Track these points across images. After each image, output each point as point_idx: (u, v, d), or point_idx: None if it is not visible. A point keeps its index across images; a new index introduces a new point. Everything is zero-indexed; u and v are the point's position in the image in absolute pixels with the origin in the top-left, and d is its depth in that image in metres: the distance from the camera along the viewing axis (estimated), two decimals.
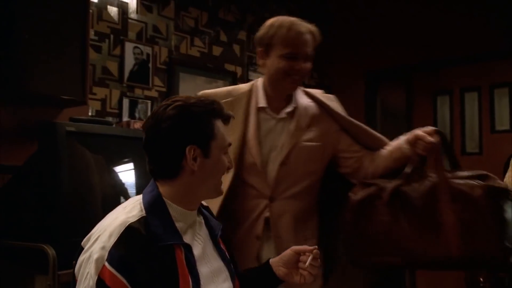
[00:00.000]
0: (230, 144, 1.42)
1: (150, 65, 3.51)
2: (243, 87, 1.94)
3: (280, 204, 1.83)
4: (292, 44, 1.77)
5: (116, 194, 2.33)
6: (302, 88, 1.95)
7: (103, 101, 3.24)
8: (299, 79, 1.83)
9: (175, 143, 1.31)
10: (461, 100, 5.17)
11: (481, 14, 4.32)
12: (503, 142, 4.59)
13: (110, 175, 2.35)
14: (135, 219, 1.27)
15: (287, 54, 1.77)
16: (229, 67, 4.16)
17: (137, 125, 2.89)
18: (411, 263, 1.76)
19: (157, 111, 1.33)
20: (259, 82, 1.91)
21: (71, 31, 2.67)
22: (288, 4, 4.66)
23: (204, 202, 1.58)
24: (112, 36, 3.31)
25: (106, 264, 1.19)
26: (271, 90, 1.86)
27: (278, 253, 1.62)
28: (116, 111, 3.30)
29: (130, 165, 2.51)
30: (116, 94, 3.30)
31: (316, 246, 1.52)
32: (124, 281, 1.18)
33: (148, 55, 3.50)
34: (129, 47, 3.39)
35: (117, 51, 3.34)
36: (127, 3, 3.42)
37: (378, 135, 1.94)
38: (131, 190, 2.40)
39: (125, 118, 3.30)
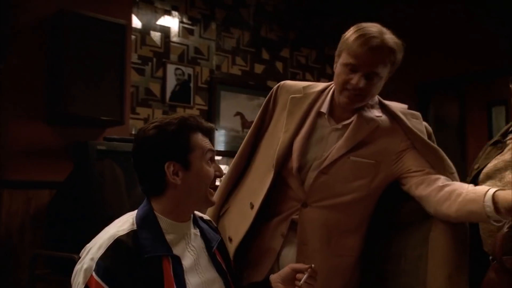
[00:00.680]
0: (212, 151, 1.46)
1: (191, 84, 3.69)
2: (317, 86, 1.79)
3: (311, 211, 1.72)
4: (354, 55, 1.59)
5: None
6: (380, 100, 1.76)
7: (146, 121, 3.45)
8: (356, 96, 1.63)
9: (155, 162, 1.40)
10: None
11: None
12: None
13: (139, 190, 2.52)
14: (124, 233, 1.36)
15: (348, 64, 1.60)
16: (272, 84, 4.26)
17: None
18: None
19: (138, 134, 1.44)
20: (333, 86, 1.75)
21: (111, 58, 2.91)
22: (331, 18, 4.69)
23: (205, 216, 1.67)
24: (154, 59, 3.53)
25: (94, 274, 1.28)
26: (335, 98, 1.71)
27: (299, 259, 1.60)
28: None
29: None
30: (158, 113, 3.51)
31: (313, 265, 1.52)
32: None
33: (189, 75, 3.69)
34: (171, 68, 3.60)
35: (159, 73, 3.55)
36: (169, 28, 3.64)
37: (449, 165, 1.68)
38: None
39: None
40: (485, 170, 1.75)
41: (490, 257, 1.65)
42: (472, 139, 5.01)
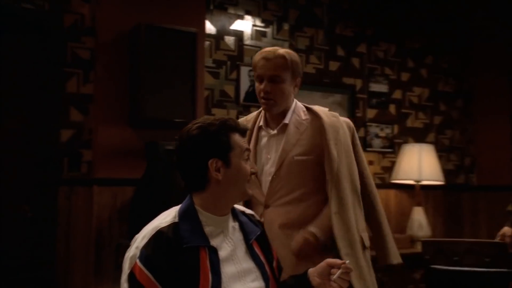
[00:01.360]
0: (248, 150, 1.61)
1: None
2: (254, 112, 2.21)
3: (272, 211, 2.02)
4: (256, 67, 2.02)
5: None
6: (305, 105, 2.11)
7: None
8: (268, 101, 1.99)
9: (198, 159, 1.55)
10: None
11: None
12: None
13: None
14: (166, 224, 1.53)
15: (256, 77, 2.02)
16: (347, 81, 4.27)
17: None
18: None
19: (181, 134, 1.60)
20: None
21: (184, 64, 3.16)
22: (411, 11, 4.56)
23: (248, 210, 1.79)
24: (228, 63, 3.73)
25: (137, 261, 1.46)
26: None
27: None
28: None
29: None
30: (233, 114, 3.70)
31: (348, 261, 1.61)
32: (150, 275, 1.44)
33: None
34: (244, 70, 3.77)
35: (233, 75, 3.74)
36: (242, 32, 3.81)
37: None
38: None
39: None
40: None
41: None
42: None
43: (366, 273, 2.02)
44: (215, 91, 3.67)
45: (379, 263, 2.15)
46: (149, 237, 1.49)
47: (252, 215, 1.77)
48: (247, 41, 3.83)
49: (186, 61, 3.13)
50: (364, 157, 2.20)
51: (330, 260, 1.65)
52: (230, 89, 3.73)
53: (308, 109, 2.10)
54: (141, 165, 3.06)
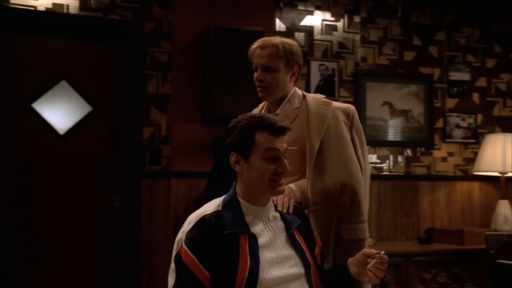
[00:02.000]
0: (272, 150, 1.64)
1: (335, 78, 3.88)
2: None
3: None
4: (251, 56, 2.07)
5: None
6: (303, 93, 2.11)
7: None
8: (262, 89, 2.04)
9: (226, 150, 1.70)
10: None
11: None
12: None
13: None
14: (209, 212, 1.68)
15: (253, 68, 2.06)
16: (424, 70, 4.16)
17: None
18: None
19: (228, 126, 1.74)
20: None
21: (249, 62, 3.30)
22: None
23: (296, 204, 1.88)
24: None
25: (183, 244, 1.64)
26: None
27: None
28: None
29: None
30: None
31: (383, 251, 1.66)
32: (194, 257, 1.60)
33: (333, 69, 3.88)
34: (314, 65, 3.84)
35: (303, 70, 3.83)
36: (312, 27, 3.88)
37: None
38: None
39: None
40: None
41: None
42: None
43: None
44: None
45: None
46: (193, 223, 1.65)
47: (296, 206, 1.87)
48: (317, 36, 3.90)
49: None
50: (366, 146, 2.13)
51: (366, 250, 1.72)
52: (300, 84, 3.81)
53: (304, 97, 2.10)
54: (212, 159, 3.28)
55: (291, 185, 1.96)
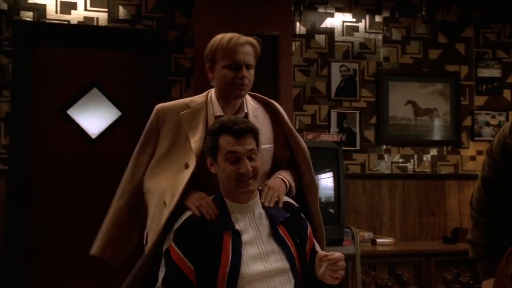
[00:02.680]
0: (231, 153, 1.72)
1: (357, 79, 3.91)
2: (198, 99, 2.04)
3: None
4: (233, 54, 1.92)
5: None
6: (250, 93, 2.06)
7: (313, 116, 3.84)
8: (243, 86, 1.93)
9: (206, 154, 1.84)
10: None
11: None
12: None
13: None
14: None
15: (231, 64, 1.92)
16: (451, 68, 4.11)
17: (325, 136, 3.36)
18: None
19: None
20: (212, 93, 2.03)
21: (267, 66, 3.40)
22: None
23: (286, 198, 1.93)
24: (319, 60, 3.89)
25: (172, 240, 1.77)
26: (223, 100, 1.99)
27: None
28: (325, 123, 3.85)
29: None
30: (324, 109, 3.85)
31: (331, 252, 1.69)
32: (180, 253, 1.72)
33: (354, 70, 3.91)
34: (335, 66, 3.89)
35: (324, 72, 3.89)
36: (333, 29, 3.93)
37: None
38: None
39: (333, 129, 3.82)
40: None
41: None
42: None
43: None
44: (306, 88, 3.86)
45: None
46: (182, 221, 1.79)
47: (288, 202, 1.93)
48: (338, 37, 3.94)
49: (269, 63, 3.38)
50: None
51: (319, 253, 1.75)
52: (321, 85, 3.89)
53: (252, 96, 2.09)
54: None
55: (284, 176, 2.01)
